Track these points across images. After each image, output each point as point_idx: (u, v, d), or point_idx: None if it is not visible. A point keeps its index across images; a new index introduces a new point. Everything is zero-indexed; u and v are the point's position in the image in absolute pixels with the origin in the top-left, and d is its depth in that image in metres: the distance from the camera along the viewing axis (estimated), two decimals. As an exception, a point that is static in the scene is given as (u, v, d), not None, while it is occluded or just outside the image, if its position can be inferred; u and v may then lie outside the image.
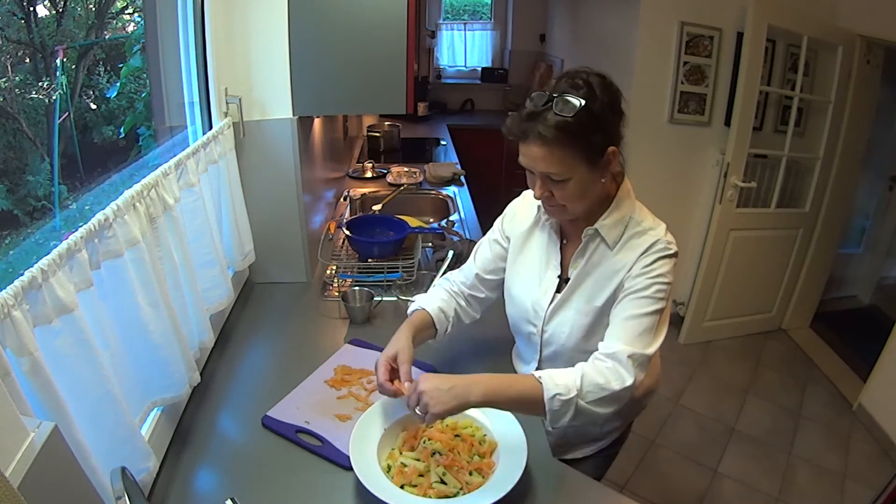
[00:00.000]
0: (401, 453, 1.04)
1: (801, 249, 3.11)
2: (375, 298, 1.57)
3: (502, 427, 1.06)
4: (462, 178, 2.70)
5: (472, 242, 1.82)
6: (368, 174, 2.73)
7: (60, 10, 1.37)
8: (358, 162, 3.01)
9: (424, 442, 1.03)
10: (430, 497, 0.94)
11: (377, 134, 3.23)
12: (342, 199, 2.43)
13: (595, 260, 1.07)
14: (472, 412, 1.09)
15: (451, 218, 2.23)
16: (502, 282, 1.24)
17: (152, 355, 0.98)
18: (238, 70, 1.47)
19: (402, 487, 0.95)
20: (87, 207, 1.21)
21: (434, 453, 1.01)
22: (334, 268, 1.77)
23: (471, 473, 0.99)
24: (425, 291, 1.58)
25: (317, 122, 1.90)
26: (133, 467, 0.84)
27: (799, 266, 3.16)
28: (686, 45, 2.79)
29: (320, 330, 1.53)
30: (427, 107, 4.25)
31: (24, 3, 1.23)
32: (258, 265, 1.67)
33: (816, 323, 3.33)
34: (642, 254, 1.01)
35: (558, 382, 0.94)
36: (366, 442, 1.02)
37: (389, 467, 1.01)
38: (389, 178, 2.66)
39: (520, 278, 1.18)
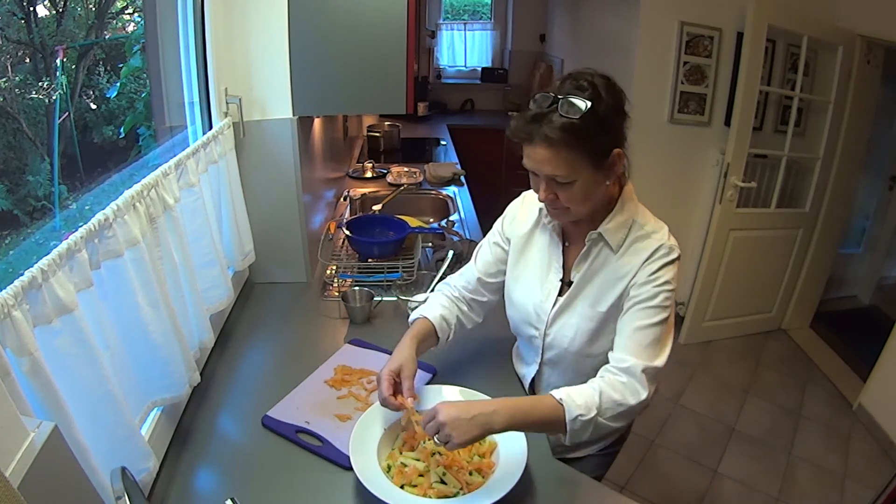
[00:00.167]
0: (401, 453, 1.04)
1: (801, 249, 3.11)
2: (375, 298, 1.57)
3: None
4: (462, 178, 2.70)
5: (472, 242, 1.82)
6: (368, 174, 2.73)
7: (60, 10, 1.37)
8: (358, 162, 3.01)
9: (424, 442, 1.03)
10: (430, 497, 0.94)
11: (377, 134, 3.23)
12: (342, 199, 2.43)
13: (598, 264, 1.06)
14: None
15: (451, 218, 2.23)
16: (503, 284, 1.23)
17: (152, 355, 0.98)
18: (238, 70, 1.47)
19: (402, 487, 0.95)
20: (87, 207, 1.21)
21: (434, 453, 1.01)
22: (334, 268, 1.77)
23: (471, 473, 0.99)
24: (425, 291, 1.59)
25: (317, 122, 1.91)
26: (133, 467, 0.84)
27: (799, 266, 3.16)
28: (686, 45, 2.79)
29: (320, 330, 1.53)
30: (427, 107, 4.25)
31: (24, 3, 1.23)
32: (258, 265, 1.67)
33: (816, 323, 3.33)
34: (646, 260, 1.01)
35: (579, 403, 0.94)
36: (366, 442, 1.02)
37: (389, 467, 1.01)
38: (389, 178, 2.66)
39: (521, 281, 1.18)
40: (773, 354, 3.12)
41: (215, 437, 1.13)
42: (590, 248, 1.07)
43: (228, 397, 1.25)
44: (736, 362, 3.04)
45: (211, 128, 1.44)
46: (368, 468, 0.97)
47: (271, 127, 1.54)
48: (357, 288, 1.60)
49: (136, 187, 0.95)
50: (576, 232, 1.11)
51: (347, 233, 1.79)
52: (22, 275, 0.68)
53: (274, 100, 1.52)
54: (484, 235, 1.29)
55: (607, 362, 1.02)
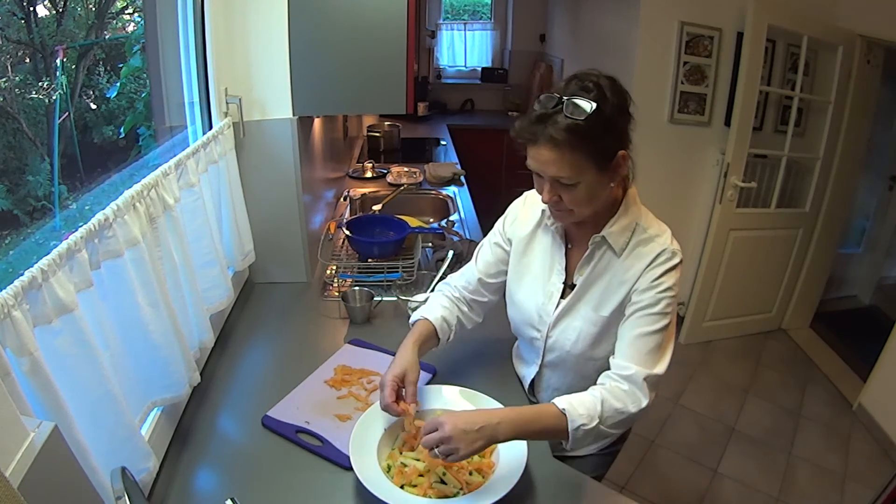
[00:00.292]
0: (401, 453, 1.04)
1: (801, 249, 3.11)
2: (375, 298, 1.57)
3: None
4: (462, 178, 2.70)
5: (472, 242, 1.82)
6: (368, 174, 2.73)
7: (60, 10, 1.37)
8: (358, 162, 3.01)
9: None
10: (430, 497, 0.94)
11: (377, 134, 3.23)
12: (342, 199, 2.43)
13: (601, 267, 1.06)
14: (469, 410, 1.09)
15: (451, 218, 2.23)
16: (504, 284, 1.23)
17: (152, 355, 0.98)
18: (238, 70, 1.47)
19: (402, 487, 0.95)
20: (87, 207, 1.20)
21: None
22: (334, 268, 1.77)
23: (471, 473, 0.99)
24: (425, 291, 1.59)
25: (317, 122, 1.91)
26: (133, 467, 0.84)
27: (799, 266, 3.16)
28: (686, 45, 2.79)
29: (320, 330, 1.53)
30: (427, 107, 4.25)
31: (24, 3, 1.22)
32: (258, 265, 1.67)
33: (816, 323, 3.33)
34: (649, 265, 1.01)
35: (581, 412, 0.94)
36: (366, 442, 1.02)
37: (389, 467, 1.01)
38: (389, 178, 2.66)
39: (523, 283, 1.17)
40: (773, 354, 3.12)
41: (215, 437, 1.13)
42: (593, 251, 1.06)
43: (228, 397, 1.25)
44: (736, 362, 3.04)
45: (211, 128, 1.44)
46: (368, 468, 0.97)
47: (271, 127, 1.54)
48: (357, 288, 1.60)
49: (136, 187, 0.95)
50: (578, 234, 1.10)
51: (347, 233, 1.79)
52: (22, 275, 0.68)
53: (274, 100, 1.52)
54: (484, 235, 1.29)
55: (608, 365, 1.02)
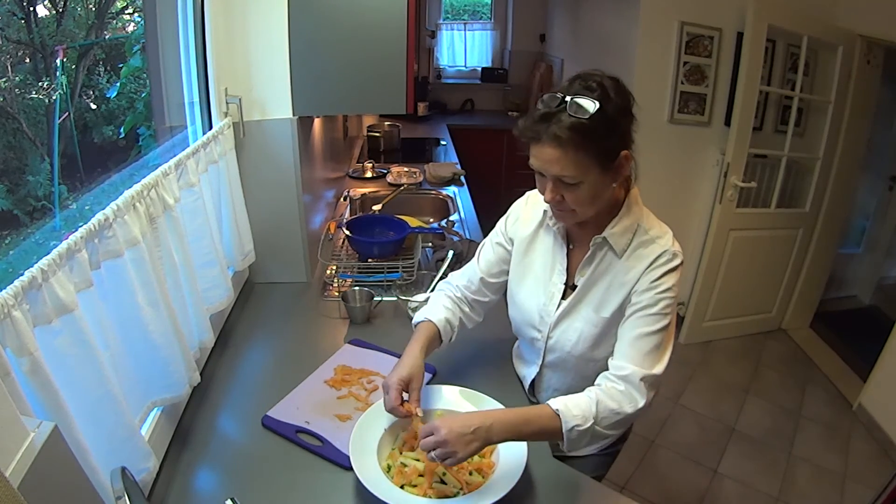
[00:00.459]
0: (401, 453, 1.04)
1: (801, 249, 3.11)
2: (375, 298, 1.57)
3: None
4: (462, 178, 2.70)
5: (473, 242, 1.82)
6: (368, 174, 2.73)
7: (60, 10, 1.37)
8: (358, 162, 3.01)
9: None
10: (430, 497, 0.94)
11: (377, 134, 3.23)
12: (342, 199, 2.43)
13: (603, 268, 1.06)
14: (470, 410, 1.09)
15: (451, 218, 2.23)
16: (506, 284, 1.23)
17: (152, 355, 0.98)
18: (238, 70, 1.47)
19: (402, 487, 0.96)
20: (87, 207, 1.20)
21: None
22: (334, 268, 1.77)
23: (471, 473, 0.99)
24: (425, 291, 1.59)
25: (317, 122, 1.91)
26: (133, 467, 0.84)
27: (799, 266, 3.16)
28: (686, 45, 2.79)
29: (320, 330, 1.53)
30: (427, 107, 4.25)
31: (24, 3, 1.22)
32: (258, 265, 1.67)
33: (816, 323, 3.33)
34: (649, 266, 1.01)
35: (575, 413, 0.94)
36: (366, 442, 1.02)
37: (389, 467, 1.01)
38: (389, 178, 2.66)
39: (525, 283, 1.17)
40: (773, 354, 3.12)
41: (215, 437, 1.13)
42: (594, 252, 1.06)
43: (228, 397, 1.25)
44: (736, 362, 3.04)
45: (211, 128, 1.44)
46: (368, 468, 0.97)
47: (271, 127, 1.54)
48: (357, 288, 1.60)
49: (136, 187, 0.95)
50: (580, 234, 1.10)
51: (347, 233, 1.79)
52: (22, 275, 0.68)
53: (274, 100, 1.52)
54: (484, 235, 1.29)
55: (608, 366, 1.02)
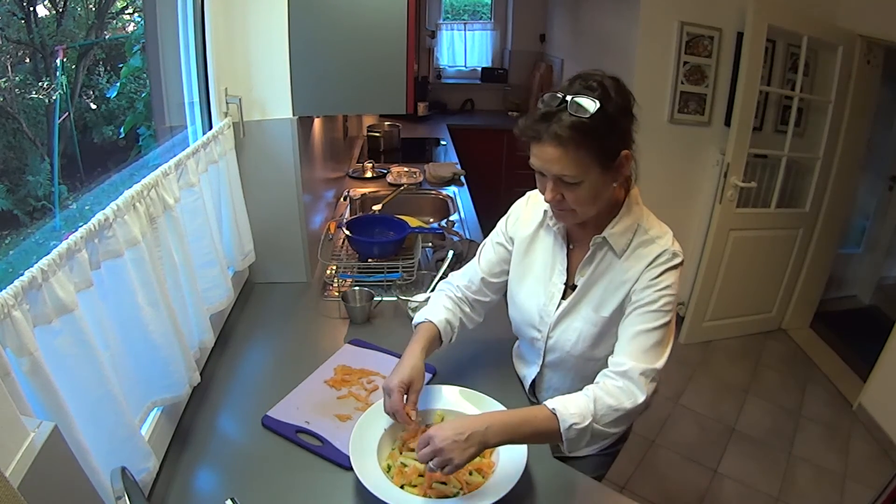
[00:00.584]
0: (401, 453, 1.04)
1: (801, 249, 3.11)
2: (375, 298, 1.57)
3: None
4: (462, 178, 2.70)
5: (473, 242, 1.82)
6: (368, 174, 2.73)
7: (60, 10, 1.37)
8: (358, 162, 3.01)
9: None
10: (429, 497, 0.94)
11: (377, 134, 3.23)
12: (342, 199, 2.43)
13: (602, 268, 1.06)
14: (470, 411, 1.09)
15: (451, 218, 2.23)
16: (506, 284, 1.23)
17: (152, 355, 0.98)
18: (238, 70, 1.47)
19: (402, 487, 0.96)
20: (87, 207, 1.20)
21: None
22: (334, 268, 1.77)
23: (471, 473, 0.99)
24: (425, 291, 1.59)
25: (317, 122, 1.91)
26: (133, 467, 0.84)
27: (799, 266, 3.16)
28: (686, 45, 2.79)
29: (320, 330, 1.53)
30: (427, 107, 4.25)
31: (24, 3, 1.22)
32: (258, 265, 1.67)
33: (816, 323, 3.33)
34: (648, 265, 1.01)
35: (573, 412, 0.93)
36: (366, 442, 1.02)
37: (389, 467, 1.01)
38: (389, 178, 2.66)
39: (525, 283, 1.17)
40: (773, 354, 3.12)
41: (215, 437, 1.13)
42: (594, 252, 1.06)
43: (228, 397, 1.25)
44: (736, 362, 3.04)
45: (211, 128, 1.44)
46: (368, 468, 0.97)
47: (271, 127, 1.54)
48: (357, 288, 1.60)
49: (136, 187, 0.95)
50: (580, 234, 1.10)
51: (347, 233, 1.79)
52: (22, 275, 0.68)
53: (274, 100, 1.52)
54: (484, 235, 1.29)
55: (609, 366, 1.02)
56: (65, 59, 1.30)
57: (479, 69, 4.83)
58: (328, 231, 1.96)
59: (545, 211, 1.13)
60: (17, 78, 1.22)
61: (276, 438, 1.12)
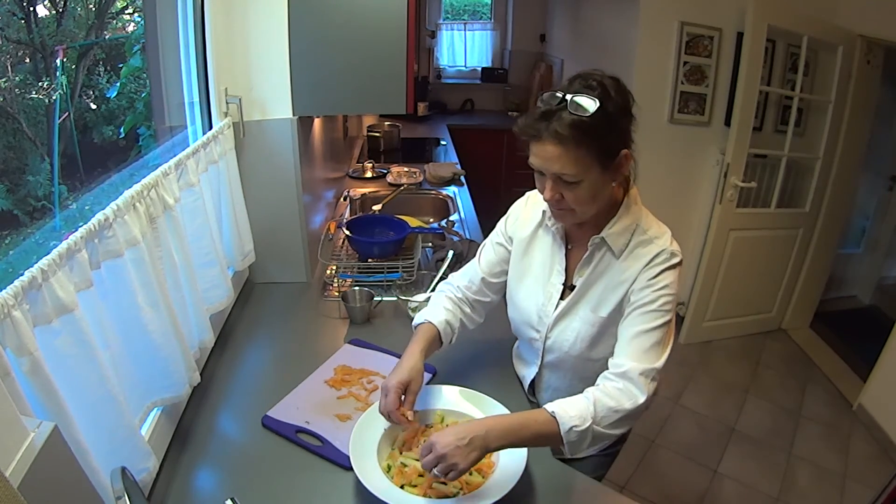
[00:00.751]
0: (401, 453, 1.04)
1: (801, 249, 3.11)
2: (375, 298, 1.57)
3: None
4: (462, 178, 2.70)
5: (473, 242, 1.82)
6: (368, 174, 2.73)
7: (60, 10, 1.37)
8: (358, 162, 3.01)
9: (424, 442, 1.03)
10: (429, 497, 0.94)
11: (377, 134, 3.23)
12: (342, 199, 2.43)
13: (601, 268, 1.06)
14: (470, 411, 1.09)
15: (451, 218, 2.23)
16: (506, 284, 1.23)
17: (152, 355, 0.98)
18: (238, 70, 1.47)
19: (402, 487, 0.95)
20: (87, 207, 1.21)
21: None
22: (334, 268, 1.77)
23: (471, 473, 0.99)
24: (425, 291, 1.59)
25: (317, 122, 1.91)
26: (133, 467, 0.84)
27: (799, 266, 3.16)
28: (686, 45, 2.79)
29: (320, 330, 1.53)
30: (427, 107, 4.25)
31: (24, 3, 1.23)
32: (258, 265, 1.67)
33: (816, 323, 3.33)
34: (646, 265, 1.01)
35: (572, 414, 0.93)
36: (366, 442, 1.02)
37: (389, 467, 1.01)
38: (389, 178, 2.66)
39: (524, 283, 1.17)
40: (773, 354, 3.12)
41: (215, 437, 1.13)
42: (593, 252, 1.06)
43: (228, 397, 1.25)
44: (736, 362, 3.04)
45: (211, 128, 1.44)
46: (368, 468, 0.97)
47: (271, 127, 1.54)
48: (357, 288, 1.60)
49: (136, 187, 0.95)
50: (579, 234, 1.10)
51: (347, 233, 1.79)
52: (22, 275, 0.68)
53: (274, 100, 1.52)
54: (484, 236, 1.29)
55: (608, 367, 1.02)
56: (65, 59, 1.30)
57: (479, 69, 4.83)
58: (328, 231, 1.96)
59: (544, 211, 1.13)
60: (17, 78, 1.22)
61: (276, 438, 1.12)
